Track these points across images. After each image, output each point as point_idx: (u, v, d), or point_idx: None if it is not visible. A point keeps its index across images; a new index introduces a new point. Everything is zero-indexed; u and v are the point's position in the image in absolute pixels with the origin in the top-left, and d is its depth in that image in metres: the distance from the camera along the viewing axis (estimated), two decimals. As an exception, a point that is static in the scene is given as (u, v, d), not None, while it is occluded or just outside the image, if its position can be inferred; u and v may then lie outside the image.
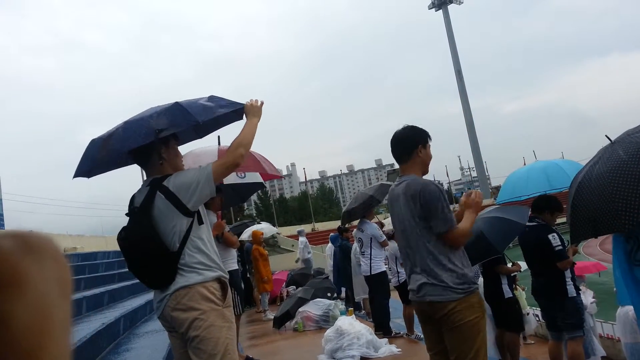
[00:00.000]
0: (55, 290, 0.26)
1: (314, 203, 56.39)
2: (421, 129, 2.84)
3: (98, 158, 2.47)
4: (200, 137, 3.10)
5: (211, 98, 2.60)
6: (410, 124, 2.87)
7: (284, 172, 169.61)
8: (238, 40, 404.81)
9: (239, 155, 2.43)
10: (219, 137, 3.90)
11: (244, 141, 2.49)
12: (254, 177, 4.38)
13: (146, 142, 2.35)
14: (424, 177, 2.83)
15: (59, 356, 0.24)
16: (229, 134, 2.72)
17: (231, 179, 4.23)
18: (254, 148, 3.64)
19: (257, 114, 2.65)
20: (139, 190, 2.46)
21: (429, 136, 2.83)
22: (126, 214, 2.44)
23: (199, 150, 3.98)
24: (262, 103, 2.72)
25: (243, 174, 4.37)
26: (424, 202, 2.59)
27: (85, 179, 2.62)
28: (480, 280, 5.80)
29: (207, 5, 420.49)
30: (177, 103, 2.48)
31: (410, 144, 2.78)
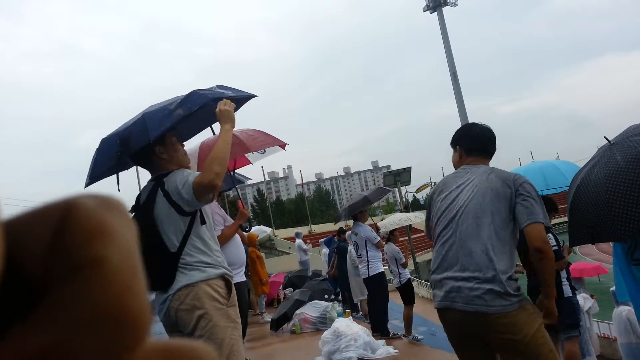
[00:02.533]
0: (133, 242, 0.30)
1: (310, 205, 56.39)
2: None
3: (114, 158, 2.45)
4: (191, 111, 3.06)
5: (218, 86, 2.57)
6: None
7: (281, 175, 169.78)
8: (236, 44, 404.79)
9: (213, 176, 2.23)
10: (211, 127, 3.87)
11: (218, 155, 2.29)
12: (273, 149, 4.32)
13: (171, 124, 2.35)
14: None
15: (143, 294, 0.28)
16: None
17: (252, 157, 4.22)
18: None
19: (228, 119, 2.41)
20: (144, 187, 2.45)
21: None
22: (129, 211, 2.43)
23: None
24: (232, 106, 2.45)
25: (263, 150, 4.30)
26: (525, 191, 2.24)
27: (83, 182, 2.62)
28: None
29: (205, 11, 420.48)
30: (193, 91, 2.47)
31: (493, 148, 2.59)
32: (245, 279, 3.95)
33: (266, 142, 4.00)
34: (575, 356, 4.26)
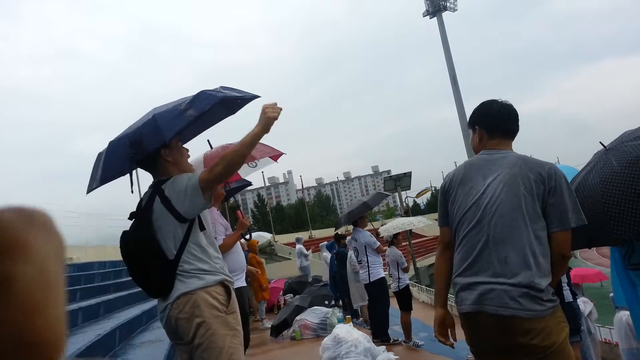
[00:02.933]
0: (54, 256, 0.28)
1: (310, 210, 56.34)
2: None
3: (123, 160, 2.43)
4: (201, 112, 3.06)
5: (222, 87, 2.53)
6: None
7: (281, 180, 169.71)
8: (236, 48, 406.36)
9: (218, 174, 2.25)
10: (208, 140, 3.86)
11: (231, 156, 2.26)
12: (265, 161, 4.30)
13: (185, 123, 2.34)
14: None
15: (58, 314, 0.27)
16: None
17: (243, 171, 4.21)
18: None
19: (263, 122, 2.28)
20: (145, 192, 2.44)
21: None
22: (129, 217, 2.41)
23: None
24: (280, 109, 2.33)
25: (254, 163, 4.28)
26: (556, 186, 2.05)
27: (81, 187, 2.61)
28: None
29: (205, 15, 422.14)
30: (202, 91, 2.44)
31: (517, 127, 2.37)
32: (245, 284, 3.96)
33: (263, 152, 3.99)
34: None
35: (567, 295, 4.29)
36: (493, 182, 2.13)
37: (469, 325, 2.16)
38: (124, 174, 2.52)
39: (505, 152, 2.22)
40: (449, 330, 2.34)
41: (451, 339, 2.34)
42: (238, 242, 3.92)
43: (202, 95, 2.43)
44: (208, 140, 3.82)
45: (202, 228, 2.36)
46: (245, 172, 4.31)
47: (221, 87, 2.53)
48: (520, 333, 1.97)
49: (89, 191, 2.55)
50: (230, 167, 2.28)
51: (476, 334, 2.15)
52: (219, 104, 2.50)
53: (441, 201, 2.36)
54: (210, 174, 2.25)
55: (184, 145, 2.58)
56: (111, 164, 2.47)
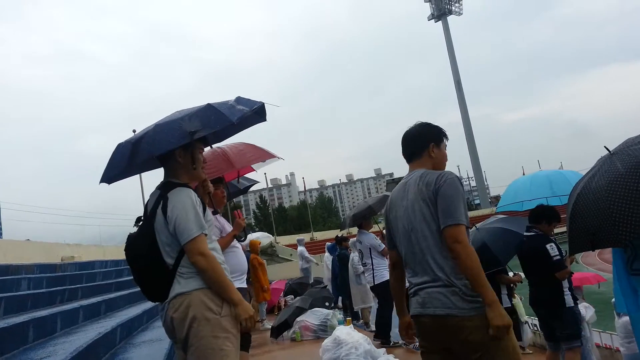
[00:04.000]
0: None
1: (312, 212, 56.38)
2: (435, 127, 2.56)
3: (125, 164, 2.37)
4: (219, 141, 3.04)
5: (238, 100, 2.52)
6: (425, 121, 2.59)
7: (283, 182, 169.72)
8: (238, 50, 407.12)
9: (198, 260, 2.24)
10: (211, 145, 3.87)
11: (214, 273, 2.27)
12: (264, 162, 4.25)
13: (180, 144, 2.30)
14: None
15: None
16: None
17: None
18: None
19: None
20: (152, 193, 2.44)
21: (445, 135, 2.56)
22: (135, 222, 2.43)
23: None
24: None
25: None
26: (441, 189, 2.24)
27: (84, 187, 2.61)
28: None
29: (208, 17, 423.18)
30: (209, 104, 2.42)
31: (421, 142, 2.50)
32: (246, 286, 3.90)
33: (255, 156, 3.96)
34: None
35: (569, 300, 4.29)
36: (407, 204, 2.37)
37: (418, 327, 2.38)
38: (133, 174, 2.56)
39: (412, 174, 2.45)
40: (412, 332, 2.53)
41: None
42: (239, 243, 3.87)
43: (242, 99, 2.52)
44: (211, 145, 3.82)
45: None
46: (258, 165, 4.31)
47: (237, 97, 2.55)
48: (454, 329, 2.15)
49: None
50: (209, 269, 2.27)
51: (423, 334, 2.37)
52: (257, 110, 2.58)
53: (386, 227, 2.61)
54: (193, 255, 2.24)
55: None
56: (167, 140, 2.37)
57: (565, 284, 4.30)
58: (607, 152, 2.51)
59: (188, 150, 2.43)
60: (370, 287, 6.81)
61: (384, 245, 6.64)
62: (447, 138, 2.58)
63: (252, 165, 4.26)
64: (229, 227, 3.84)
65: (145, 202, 2.50)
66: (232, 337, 2.29)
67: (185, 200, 2.30)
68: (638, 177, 2.15)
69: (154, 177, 2.54)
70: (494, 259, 4.51)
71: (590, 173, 2.52)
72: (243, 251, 3.94)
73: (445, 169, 2.49)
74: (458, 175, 2.34)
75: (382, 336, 6.51)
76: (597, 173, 2.42)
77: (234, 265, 3.74)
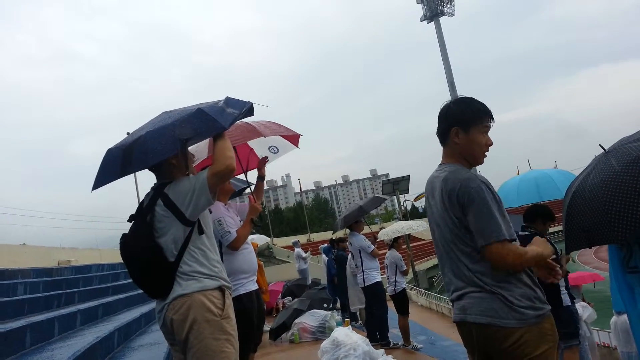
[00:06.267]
0: None
1: (309, 213, 56.33)
2: (465, 105, 2.17)
3: (118, 171, 2.35)
4: (204, 139, 3.00)
5: (227, 101, 2.48)
6: (468, 96, 2.22)
7: (279, 183, 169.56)
8: (231, 51, 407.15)
9: (230, 160, 2.30)
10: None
11: (227, 144, 2.35)
12: (286, 147, 4.24)
13: (172, 153, 2.30)
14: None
15: None
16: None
17: (267, 155, 4.14)
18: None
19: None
20: (147, 194, 2.44)
21: (480, 116, 2.14)
22: (128, 219, 2.42)
23: (194, 148, 3.86)
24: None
25: (276, 149, 4.23)
26: (463, 201, 2.00)
27: (79, 190, 2.59)
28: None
29: (201, 18, 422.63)
30: (199, 109, 2.36)
31: (444, 125, 2.20)
32: (257, 287, 3.73)
33: (279, 130, 3.91)
34: None
35: (566, 299, 4.30)
36: (435, 207, 2.17)
37: (460, 334, 2.20)
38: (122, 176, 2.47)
39: (439, 169, 2.21)
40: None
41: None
42: (251, 243, 3.80)
43: (231, 100, 2.49)
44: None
45: (201, 232, 2.36)
46: (270, 158, 4.27)
47: (227, 98, 2.51)
48: (496, 340, 1.97)
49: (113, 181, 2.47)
50: (231, 152, 2.33)
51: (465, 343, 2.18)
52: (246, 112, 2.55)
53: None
54: (220, 167, 2.27)
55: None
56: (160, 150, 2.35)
57: (562, 283, 4.32)
58: (603, 150, 2.53)
59: (182, 151, 2.42)
60: (362, 289, 6.82)
61: (374, 247, 6.64)
62: (486, 120, 2.15)
63: (268, 157, 4.18)
64: (245, 208, 3.77)
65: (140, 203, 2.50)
66: (232, 339, 2.31)
67: (184, 181, 2.33)
68: (633, 174, 2.17)
69: (149, 179, 2.53)
70: None
71: (586, 171, 2.54)
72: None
73: (480, 155, 2.17)
74: (482, 178, 2.04)
75: (380, 338, 6.51)
76: (593, 171, 2.44)
77: (246, 264, 3.63)
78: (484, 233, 1.93)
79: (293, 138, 4.21)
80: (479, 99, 2.19)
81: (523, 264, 1.96)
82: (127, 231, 2.40)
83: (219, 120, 2.32)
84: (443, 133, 2.20)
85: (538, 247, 2.05)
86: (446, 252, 2.10)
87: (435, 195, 2.14)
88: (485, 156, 2.21)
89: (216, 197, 2.44)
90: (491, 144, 2.19)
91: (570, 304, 4.32)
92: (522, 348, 1.90)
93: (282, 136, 4.12)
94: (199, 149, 3.61)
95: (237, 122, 3.66)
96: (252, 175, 4.13)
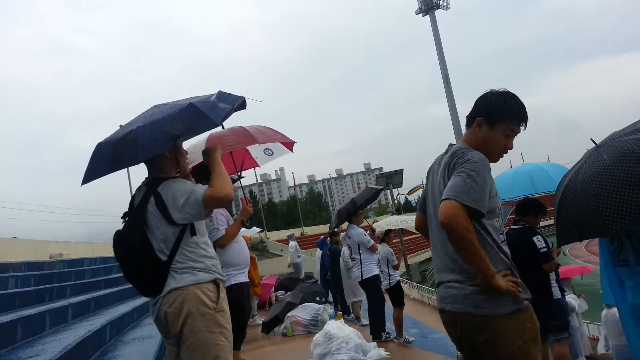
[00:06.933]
0: None
1: (302, 207, 56.37)
2: (503, 101, 2.07)
3: (108, 166, 2.32)
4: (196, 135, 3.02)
5: (220, 96, 2.44)
6: (512, 93, 2.12)
7: (273, 177, 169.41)
8: (227, 44, 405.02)
9: (229, 191, 2.30)
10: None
11: (224, 172, 2.37)
12: (281, 150, 4.27)
13: (164, 149, 2.28)
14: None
15: None
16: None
17: (260, 158, 4.19)
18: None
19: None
20: (138, 189, 2.42)
21: (509, 117, 2.06)
22: (122, 217, 2.39)
23: (193, 143, 3.85)
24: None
25: (271, 152, 4.26)
26: (458, 161, 1.96)
27: (72, 183, 2.56)
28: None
29: (198, 11, 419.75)
30: (191, 104, 2.32)
31: (473, 111, 2.15)
32: (247, 280, 3.86)
33: (274, 137, 3.96)
34: (565, 357, 4.27)
35: (556, 292, 4.32)
36: (434, 176, 2.16)
37: (444, 323, 2.17)
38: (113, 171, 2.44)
39: (451, 147, 2.16)
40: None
41: None
42: (242, 237, 3.88)
43: (224, 94, 2.45)
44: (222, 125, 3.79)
45: (194, 233, 2.35)
46: (262, 160, 4.30)
47: (219, 92, 2.47)
48: (472, 330, 1.94)
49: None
50: (230, 184, 2.34)
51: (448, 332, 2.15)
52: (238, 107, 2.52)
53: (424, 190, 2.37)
54: (219, 194, 2.25)
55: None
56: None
57: (552, 275, 4.34)
58: (594, 144, 2.54)
59: (173, 147, 2.40)
60: (359, 282, 6.82)
61: (373, 242, 6.65)
62: (515, 123, 2.08)
63: (257, 160, 4.25)
64: (232, 218, 3.84)
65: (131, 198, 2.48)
66: (226, 332, 2.31)
67: (180, 185, 2.31)
68: (623, 167, 2.18)
69: (142, 173, 2.51)
70: None
71: (577, 165, 2.55)
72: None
73: (495, 154, 2.11)
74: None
75: (377, 331, 6.53)
76: (584, 165, 2.44)
77: (238, 258, 3.76)
78: (455, 189, 1.85)
79: (288, 144, 4.25)
80: (473, 92, 2.17)
81: (468, 246, 1.82)
82: (120, 228, 2.39)
83: (211, 116, 2.30)
84: (471, 117, 2.15)
85: (497, 276, 1.89)
86: (439, 230, 1.99)
87: (440, 167, 2.08)
88: (502, 157, 2.14)
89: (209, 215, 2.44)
90: (511, 148, 2.11)
91: (560, 296, 4.35)
92: (499, 340, 1.86)
93: (261, 143, 4.14)
94: (195, 151, 3.62)
95: (234, 127, 3.70)
96: (245, 174, 4.20)
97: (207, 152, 2.52)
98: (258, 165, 4.43)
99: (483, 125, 2.08)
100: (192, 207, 2.24)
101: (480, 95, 2.15)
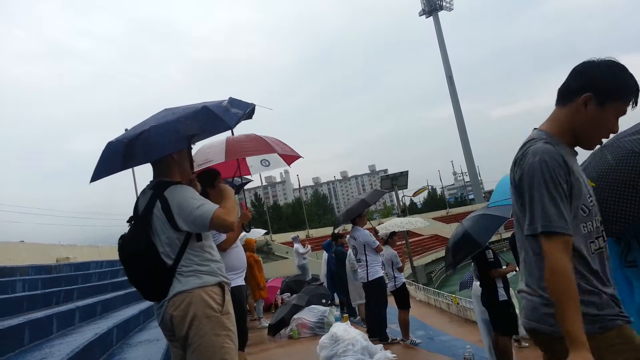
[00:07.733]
0: None
1: (307, 210, 56.35)
2: (617, 74, 1.68)
3: (119, 165, 2.33)
4: (209, 137, 3.00)
5: (232, 101, 2.48)
6: (620, 63, 1.71)
7: (277, 179, 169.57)
8: (228, 46, 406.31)
9: (234, 219, 2.33)
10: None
11: (236, 206, 2.41)
12: (278, 163, 4.32)
13: (178, 149, 2.33)
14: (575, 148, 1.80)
15: None
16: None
17: (255, 167, 4.25)
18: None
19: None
20: (143, 192, 2.42)
21: (625, 93, 1.69)
22: (127, 220, 2.41)
23: (208, 143, 3.88)
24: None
25: (267, 162, 4.31)
26: (518, 179, 1.69)
27: (77, 187, 2.59)
28: (476, 284, 5.84)
29: (198, 13, 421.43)
30: (205, 107, 2.36)
31: (574, 85, 1.72)
32: (244, 283, 3.99)
33: (287, 150, 4.04)
34: (507, 349, 5.02)
35: (501, 293, 5.02)
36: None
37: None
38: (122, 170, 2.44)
39: (533, 135, 1.79)
40: None
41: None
42: (246, 240, 3.99)
43: (235, 100, 2.50)
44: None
45: (199, 239, 2.36)
46: (256, 169, 4.35)
47: (230, 98, 2.50)
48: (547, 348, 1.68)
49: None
50: (232, 224, 2.34)
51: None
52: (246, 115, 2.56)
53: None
54: (226, 222, 2.28)
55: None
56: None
57: (499, 282, 4.97)
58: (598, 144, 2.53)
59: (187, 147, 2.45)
60: (363, 284, 6.81)
61: (378, 242, 6.65)
62: (630, 99, 1.70)
63: (252, 169, 4.35)
64: None
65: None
66: (232, 335, 2.31)
67: (188, 193, 2.33)
68: (628, 167, 2.17)
69: (148, 176, 2.52)
70: (473, 242, 4.70)
71: (582, 166, 2.54)
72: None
73: (598, 139, 1.78)
74: (541, 155, 1.62)
75: (378, 334, 6.52)
76: (588, 166, 2.44)
77: (236, 262, 3.85)
78: (530, 220, 1.60)
79: (290, 157, 4.30)
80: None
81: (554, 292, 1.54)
82: (125, 232, 2.40)
83: (225, 119, 2.36)
84: (569, 92, 1.73)
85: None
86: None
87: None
88: (601, 144, 1.84)
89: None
90: (616, 132, 1.78)
91: (506, 298, 5.00)
92: None
93: (279, 154, 4.20)
94: (214, 151, 3.66)
95: (249, 134, 3.79)
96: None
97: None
98: (250, 174, 4.47)
99: (590, 103, 1.68)
100: (197, 222, 2.26)
101: (580, 63, 1.75)
